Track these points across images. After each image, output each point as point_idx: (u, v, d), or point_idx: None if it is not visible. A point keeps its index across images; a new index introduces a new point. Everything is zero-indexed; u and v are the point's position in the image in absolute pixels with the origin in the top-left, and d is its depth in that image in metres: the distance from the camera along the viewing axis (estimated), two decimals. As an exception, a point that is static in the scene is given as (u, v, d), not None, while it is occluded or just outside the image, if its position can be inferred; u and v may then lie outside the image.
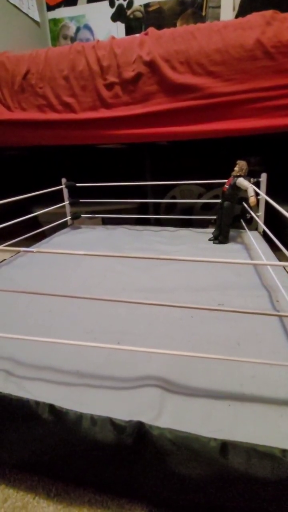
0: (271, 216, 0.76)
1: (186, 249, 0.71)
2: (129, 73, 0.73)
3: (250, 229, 0.80)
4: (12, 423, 0.29)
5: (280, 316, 0.41)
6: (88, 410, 0.28)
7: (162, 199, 1.00)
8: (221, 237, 0.74)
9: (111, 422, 0.26)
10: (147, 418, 0.27)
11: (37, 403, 0.28)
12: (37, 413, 0.28)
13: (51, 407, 0.28)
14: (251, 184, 0.67)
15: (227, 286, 0.52)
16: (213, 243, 0.75)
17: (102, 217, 1.01)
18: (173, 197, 1.01)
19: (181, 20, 1.77)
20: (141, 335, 0.40)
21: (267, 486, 0.23)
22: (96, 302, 0.44)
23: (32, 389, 0.31)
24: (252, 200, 0.64)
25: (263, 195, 0.68)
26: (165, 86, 0.73)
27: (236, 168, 0.71)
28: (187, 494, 0.26)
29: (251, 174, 0.74)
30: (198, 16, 1.75)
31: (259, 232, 0.79)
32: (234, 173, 0.71)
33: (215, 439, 0.24)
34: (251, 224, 0.87)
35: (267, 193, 0.76)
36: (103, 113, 0.76)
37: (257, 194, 0.66)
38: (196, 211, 1.01)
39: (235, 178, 0.70)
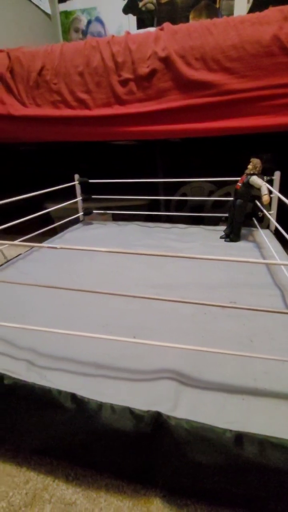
0: (284, 214, 0.76)
1: (197, 246, 0.72)
2: (143, 69, 0.73)
3: (262, 227, 0.80)
4: (35, 410, 0.31)
5: (292, 314, 0.42)
6: (107, 400, 0.29)
7: (172, 196, 1.00)
8: (232, 235, 0.75)
9: (130, 411, 0.28)
10: (164, 408, 0.28)
11: (59, 392, 0.30)
12: (60, 402, 0.29)
13: (73, 396, 0.29)
14: (264, 182, 0.67)
15: (239, 284, 0.53)
16: (225, 240, 0.75)
17: (112, 213, 1.02)
18: (184, 194, 1.01)
19: (194, 12, 1.74)
20: (155, 330, 0.41)
21: (280, 476, 0.24)
22: (110, 297, 0.46)
23: (53, 379, 0.32)
24: (266, 198, 0.64)
25: (276, 193, 0.67)
26: (180, 83, 0.72)
27: (249, 166, 0.70)
28: (202, 481, 0.27)
29: (264, 172, 0.74)
30: (211, 9, 1.72)
31: (271, 231, 0.79)
32: (247, 171, 0.71)
33: (230, 430, 0.26)
34: (263, 222, 0.86)
35: (280, 191, 0.76)
36: (118, 109, 0.77)
37: (270, 192, 0.66)
38: (207, 209, 1.01)
39: (249, 176, 0.70)
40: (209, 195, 1.00)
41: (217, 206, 1.00)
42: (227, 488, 0.26)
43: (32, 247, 0.71)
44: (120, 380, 0.32)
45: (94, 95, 0.78)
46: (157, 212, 0.97)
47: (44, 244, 0.30)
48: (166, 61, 0.72)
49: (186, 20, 1.76)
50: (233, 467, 0.25)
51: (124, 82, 0.75)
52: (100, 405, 0.28)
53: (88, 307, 0.46)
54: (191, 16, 1.77)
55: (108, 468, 0.32)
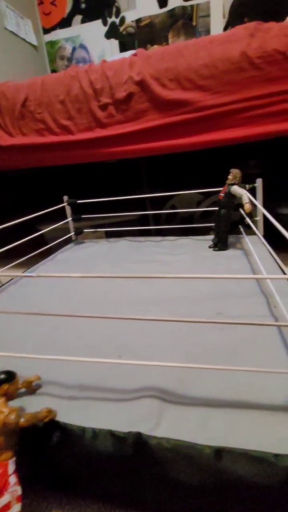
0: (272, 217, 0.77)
1: (187, 258, 0.73)
2: (121, 93, 0.77)
3: (249, 234, 0.81)
4: (24, 439, 0.31)
5: (276, 325, 0.42)
6: (91, 423, 0.30)
7: (161, 208, 1.02)
8: (220, 244, 0.76)
9: (111, 434, 0.28)
10: (146, 428, 0.28)
11: (44, 418, 0.30)
12: (44, 429, 0.30)
13: (56, 423, 0.30)
14: (245, 191, 0.68)
15: (226, 294, 0.53)
16: (213, 250, 0.76)
17: (105, 231, 1.04)
18: (173, 206, 1.03)
19: (173, 32, 1.82)
20: (141, 347, 0.41)
21: (263, 491, 0.24)
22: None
23: (38, 405, 0.33)
24: (247, 207, 0.65)
25: (256, 203, 0.69)
26: (156, 103, 0.76)
27: (230, 177, 0.72)
28: (189, 500, 0.27)
29: (250, 178, 0.75)
30: (188, 27, 1.79)
31: (259, 236, 0.80)
32: (228, 181, 0.73)
33: (209, 446, 0.26)
34: (251, 229, 0.88)
35: (267, 195, 0.77)
36: (99, 132, 0.80)
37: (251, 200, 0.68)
38: (196, 219, 1.02)
39: (230, 186, 0.72)
40: (197, 205, 1.02)
41: (206, 215, 1.02)
42: (216, 506, 0.26)
43: (11, 277, 0.73)
44: (103, 401, 0.33)
45: (76, 120, 0.81)
46: (148, 226, 0.99)
47: (18, 274, 0.32)
48: (141, 84, 0.76)
49: (166, 40, 1.83)
50: (217, 483, 0.25)
51: (103, 107, 0.78)
52: (83, 430, 0.29)
53: (76, 329, 0.47)
54: (170, 36, 1.85)
55: (99, 492, 0.32)
